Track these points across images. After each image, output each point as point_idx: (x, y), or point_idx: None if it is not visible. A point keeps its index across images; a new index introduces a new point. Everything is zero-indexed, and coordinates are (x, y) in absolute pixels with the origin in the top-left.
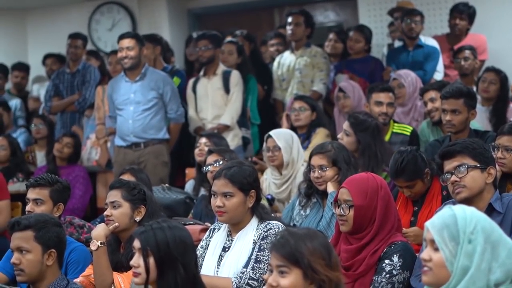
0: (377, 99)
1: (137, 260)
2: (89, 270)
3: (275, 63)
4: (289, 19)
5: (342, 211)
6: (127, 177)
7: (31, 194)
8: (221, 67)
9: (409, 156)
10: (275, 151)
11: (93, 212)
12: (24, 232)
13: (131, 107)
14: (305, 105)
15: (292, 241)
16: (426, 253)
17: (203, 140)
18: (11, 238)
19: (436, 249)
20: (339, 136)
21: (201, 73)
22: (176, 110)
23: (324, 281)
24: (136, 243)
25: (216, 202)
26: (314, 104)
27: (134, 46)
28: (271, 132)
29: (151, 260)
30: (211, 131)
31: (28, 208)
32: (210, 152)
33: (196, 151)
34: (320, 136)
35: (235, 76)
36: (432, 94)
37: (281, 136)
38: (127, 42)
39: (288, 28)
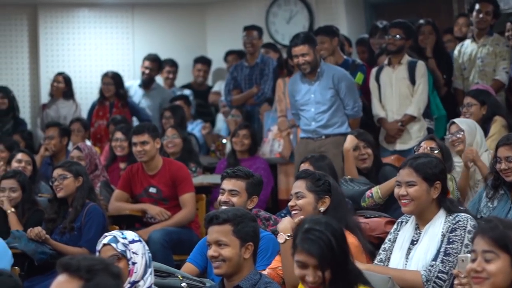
0: None
1: None
2: (276, 263)
3: (456, 52)
4: (477, 7)
5: None
6: (306, 166)
7: (227, 185)
8: (406, 57)
9: None
10: (458, 134)
11: (275, 204)
12: (222, 226)
13: (312, 108)
14: (473, 101)
15: (501, 227)
16: None
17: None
18: (209, 231)
19: None
20: None
21: (385, 62)
22: (353, 107)
23: None
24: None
25: (400, 191)
26: (484, 99)
27: (308, 51)
28: (455, 119)
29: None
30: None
31: (223, 198)
32: None
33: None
34: (496, 125)
35: (421, 67)
36: None
37: (463, 122)
38: (300, 50)
39: (475, 16)
